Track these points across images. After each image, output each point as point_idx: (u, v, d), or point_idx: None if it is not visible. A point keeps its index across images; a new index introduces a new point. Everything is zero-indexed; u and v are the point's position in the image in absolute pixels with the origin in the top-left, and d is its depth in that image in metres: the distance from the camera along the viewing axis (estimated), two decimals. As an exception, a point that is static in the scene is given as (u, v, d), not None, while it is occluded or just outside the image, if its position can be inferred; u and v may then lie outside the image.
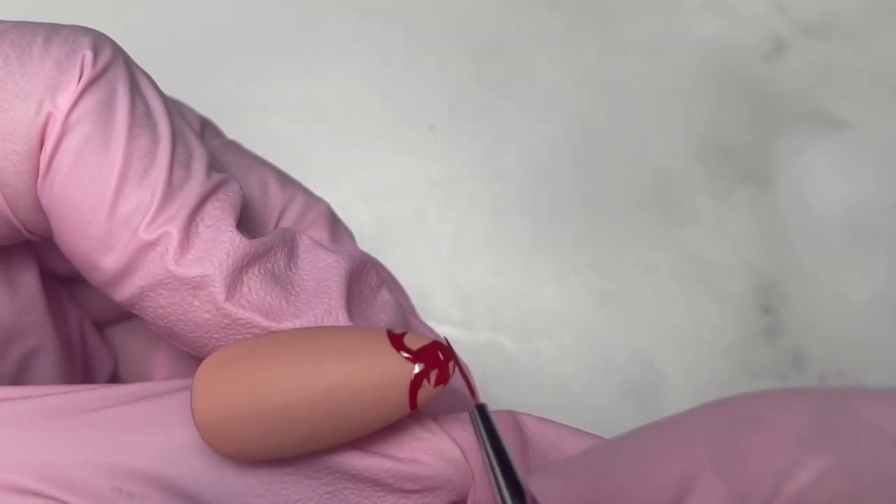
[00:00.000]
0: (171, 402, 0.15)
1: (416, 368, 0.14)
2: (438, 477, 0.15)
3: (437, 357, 0.14)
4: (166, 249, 0.14)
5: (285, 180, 0.20)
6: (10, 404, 0.15)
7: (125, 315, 0.22)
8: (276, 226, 0.19)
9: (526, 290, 0.27)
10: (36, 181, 0.15)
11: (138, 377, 0.22)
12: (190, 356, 0.21)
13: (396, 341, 0.14)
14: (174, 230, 0.14)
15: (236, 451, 0.14)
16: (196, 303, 0.15)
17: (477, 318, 0.27)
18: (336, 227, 0.20)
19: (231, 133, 0.28)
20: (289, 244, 0.16)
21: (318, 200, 0.20)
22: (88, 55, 0.15)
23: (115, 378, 0.22)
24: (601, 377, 0.26)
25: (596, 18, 0.30)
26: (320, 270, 0.16)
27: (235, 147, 0.20)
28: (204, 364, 0.14)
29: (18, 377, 0.18)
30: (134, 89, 0.15)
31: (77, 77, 0.14)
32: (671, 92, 0.29)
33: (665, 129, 0.29)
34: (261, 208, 0.19)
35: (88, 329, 0.21)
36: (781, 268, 0.28)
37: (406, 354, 0.14)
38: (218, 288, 0.15)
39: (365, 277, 0.17)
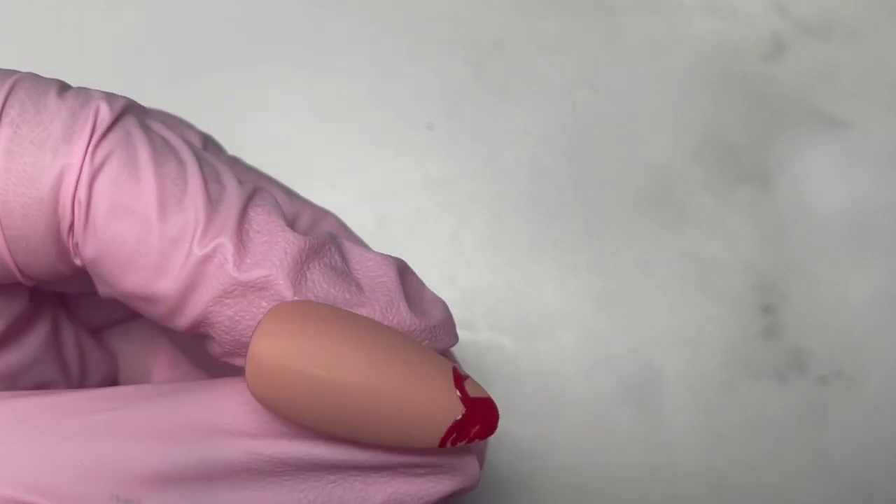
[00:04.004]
0: (169, 403, 0.15)
1: (460, 414, 0.14)
2: (444, 463, 0.16)
3: (486, 414, 0.15)
4: (224, 258, 0.15)
5: (291, 194, 0.20)
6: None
7: (121, 319, 0.22)
8: None
9: (526, 290, 0.27)
10: (44, 226, 0.15)
11: (137, 380, 0.22)
12: (189, 359, 0.21)
13: (458, 380, 0.14)
14: (226, 240, 0.15)
15: (271, 396, 0.14)
16: (264, 304, 0.15)
17: (477, 318, 0.27)
18: (350, 235, 0.20)
19: (231, 133, 0.28)
20: (336, 242, 0.16)
21: (327, 213, 0.20)
22: (102, 105, 0.15)
23: (113, 382, 0.22)
24: (601, 377, 0.26)
25: (596, 18, 0.30)
26: (370, 269, 0.16)
27: (238, 162, 0.21)
28: (286, 305, 0.14)
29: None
30: (146, 128, 0.15)
31: (91, 126, 0.15)
32: (671, 92, 0.29)
33: (665, 129, 0.29)
34: None
35: (84, 341, 0.21)
36: (781, 268, 0.28)
37: (460, 395, 0.14)
38: (283, 284, 0.15)
39: (409, 277, 0.17)
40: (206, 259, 0.14)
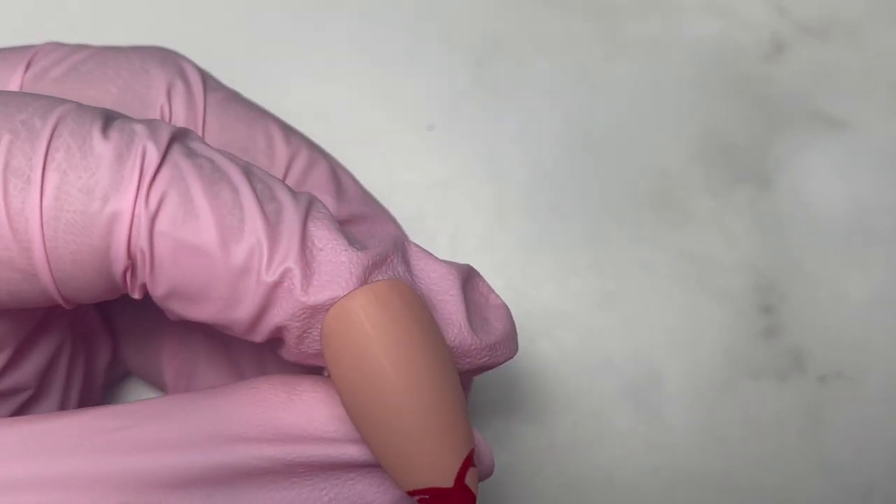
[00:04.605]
0: (185, 416, 0.15)
1: (446, 486, 0.15)
2: None
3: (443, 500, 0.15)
4: (293, 284, 0.15)
5: (289, 132, 0.21)
6: (17, 430, 0.14)
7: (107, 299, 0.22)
8: (284, 179, 0.20)
9: (526, 290, 0.27)
10: (94, 269, 0.15)
11: (145, 355, 0.22)
12: (198, 334, 0.22)
13: (467, 462, 0.15)
14: (293, 264, 0.15)
15: (331, 353, 0.15)
16: None
17: (477, 318, 0.27)
18: (339, 186, 0.20)
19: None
20: (401, 250, 0.16)
21: (320, 158, 0.20)
22: (148, 145, 0.15)
23: (116, 360, 0.23)
24: (601, 377, 0.26)
25: (596, 18, 0.30)
26: (433, 280, 0.16)
27: (238, 98, 0.21)
28: (402, 285, 0.15)
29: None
30: (192, 154, 0.15)
31: (139, 169, 0.15)
32: (671, 92, 0.29)
33: (665, 129, 0.29)
34: (267, 162, 0.20)
35: (90, 315, 0.21)
36: (781, 268, 0.28)
37: (458, 474, 0.15)
38: None
39: (475, 284, 0.17)
40: (276, 286, 0.15)
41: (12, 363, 0.18)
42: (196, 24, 0.29)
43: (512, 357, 0.17)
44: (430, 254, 0.17)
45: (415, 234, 0.27)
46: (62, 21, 0.28)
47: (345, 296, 0.15)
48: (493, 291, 0.18)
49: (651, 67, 0.29)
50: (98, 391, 0.22)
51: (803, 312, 0.27)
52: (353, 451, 0.15)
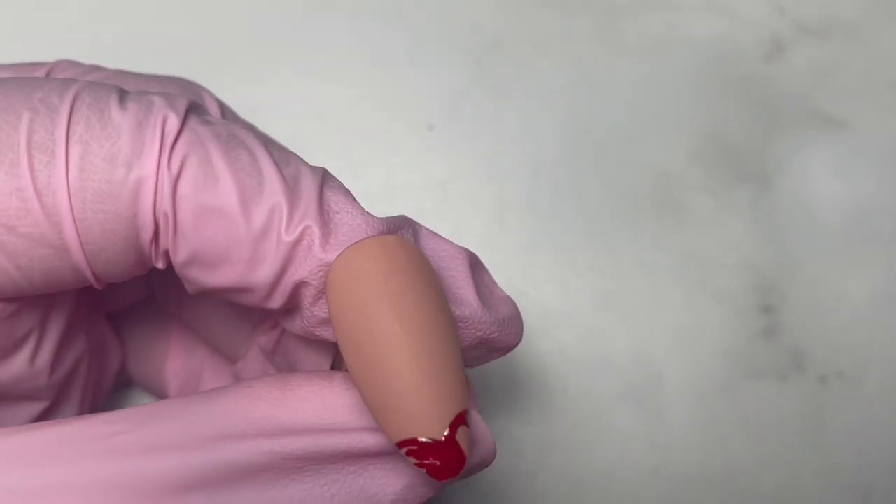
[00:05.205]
0: (180, 418, 0.15)
1: (434, 439, 0.15)
2: None
3: (451, 461, 0.15)
4: (312, 241, 0.15)
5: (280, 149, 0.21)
6: (14, 439, 0.15)
7: (134, 303, 0.22)
8: None
9: (526, 290, 0.27)
10: (123, 238, 0.15)
11: (150, 367, 0.22)
12: (205, 344, 0.22)
13: (459, 418, 0.15)
14: (312, 223, 0.15)
15: (335, 296, 0.15)
16: None
17: (477, 318, 0.27)
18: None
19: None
20: (412, 226, 0.17)
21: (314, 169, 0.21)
22: (167, 113, 0.15)
23: (123, 370, 0.23)
24: (601, 377, 0.26)
25: (596, 18, 0.30)
26: (443, 259, 0.17)
27: (254, 131, 0.21)
28: (409, 246, 0.15)
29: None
30: (209, 123, 0.16)
31: (160, 135, 0.15)
32: (671, 92, 0.29)
33: (665, 129, 0.29)
34: None
35: (102, 324, 0.21)
36: (781, 268, 0.28)
37: (449, 430, 0.15)
38: None
39: (480, 272, 0.18)
40: (296, 244, 0.15)
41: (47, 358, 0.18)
42: (196, 23, 0.29)
43: (518, 343, 0.18)
44: (440, 235, 0.17)
45: (415, 234, 0.27)
46: (62, 21, 0.28)
47: (354, 243, 0.15)
48: (496, 285, 0.18)
49: (651, 67, 0.29)
50: (104, 400, 0.22)
51: (803, 312, 0.27)
52: (351, 440, 0.15)
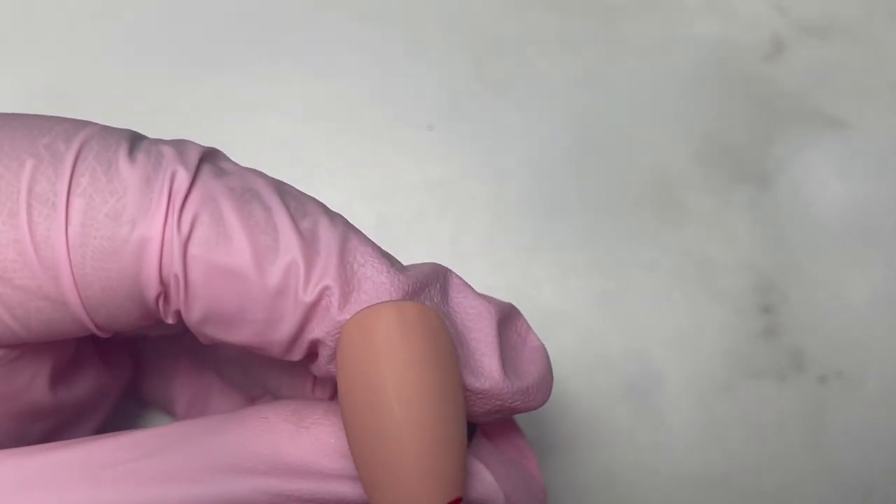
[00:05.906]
0: (191, 448, 0.15)
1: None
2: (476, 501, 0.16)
3: None
4: (330, 301, 0.14)
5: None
6: (20, 462, 0.14)
7: (143, 325, 0.22)
8: None
9: (526, 290, 0.27)
10: (125, 295, 0.15)
11: (158, 384, 0.22)
12: (212, 370, 0.21)
13: None
14: (332, 282, 0.14)
15: (342, 361, 0.14)
16: None
17: (477, 318, 0.27)
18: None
19: (231, 133, 0.28)
20: (441, 281, 0.16)
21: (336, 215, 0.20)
22: (177, 169, 0.14)
23: (131, 387, 0.22)
24: (601, 377, 0.26)
25: (596, 18, 0.30)
26: (470, 317, 0.16)
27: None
28: (433, 314, 0.15)
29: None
30: (222, 174, 0.15)
31: (167, 193, 0.14)
32: (671, 92, 0.29)
33: (665, 129, 0.29)
34: None
35: (111, 341, 0.21)
36: (781, 268, 0.28)
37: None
38: None
39: (514, 323, 0.17)
40: (314, 304, 0.14)
41: (63, 384, 0.18)
42: (196, 23, 0.29)
43: (545, 402, 0.17)
44: (471, 287, 0.16)
45: (415, 234, 0.27)
46: (62, 21, 0.28)
47: (370, 306, 0.14)
48: (532, 331, 0.17)
49: (651, 67, 0.29)
50: (111, 412, 0.22)
51: (803, 312, 0.27)
52: (357, 493, 0.15)
